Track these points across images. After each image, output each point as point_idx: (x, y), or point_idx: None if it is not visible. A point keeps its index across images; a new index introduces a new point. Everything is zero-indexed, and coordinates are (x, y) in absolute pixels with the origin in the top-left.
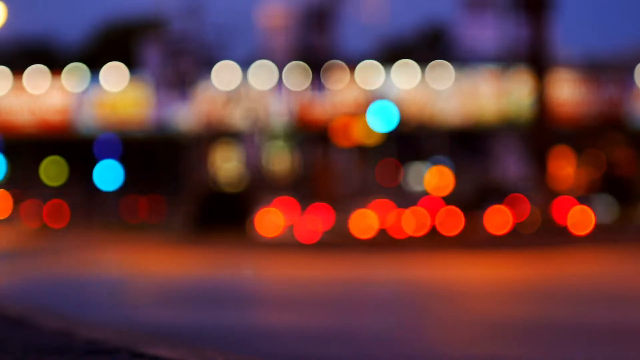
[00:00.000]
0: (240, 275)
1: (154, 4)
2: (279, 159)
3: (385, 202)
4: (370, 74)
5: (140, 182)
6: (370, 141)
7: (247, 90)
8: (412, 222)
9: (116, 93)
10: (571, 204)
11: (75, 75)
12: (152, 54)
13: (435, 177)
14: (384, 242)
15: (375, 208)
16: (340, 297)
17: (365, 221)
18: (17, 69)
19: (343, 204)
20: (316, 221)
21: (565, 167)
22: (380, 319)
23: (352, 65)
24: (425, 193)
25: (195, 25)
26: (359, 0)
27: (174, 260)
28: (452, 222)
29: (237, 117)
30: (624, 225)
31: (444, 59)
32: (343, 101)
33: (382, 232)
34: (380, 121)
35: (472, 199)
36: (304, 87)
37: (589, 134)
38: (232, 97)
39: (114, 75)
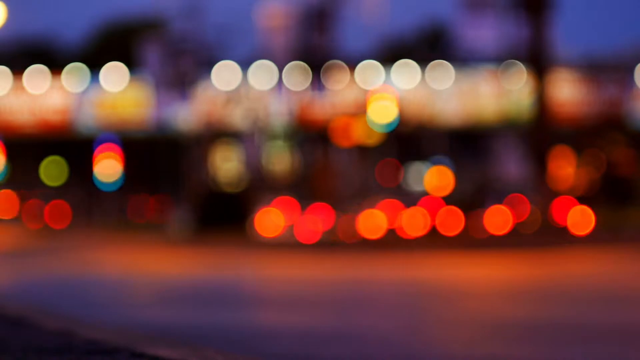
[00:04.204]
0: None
1: (154, 4)
2: (279, 159)
3: (391, 202)
4: (370, 74)
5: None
6: (370, 141)
7: (247, 90)
8: (413, 222)
9: (116, 93)
10: (571, 204)
11: (75, 75)
12: (152, 54)
13: (435, 177)
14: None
15: (382, 208)
16: (341, 297)
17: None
18: (17, 69)
19: (343, 204)
20: (316, 221)
21: (565, 167)
22: (380, 319)
23: (352, 65)
24: (425, 193)
25: (195, 25)
26: (359, 0)
27: (174, 260)
28: (453, 222)
29: (237, 117)
30: (624, 225)
31: (444, 59)
32: (343, 101)
33: (390, 232)
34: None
35: (471, 198)
36: (304, 87)
37: (589, 134)
38: (232, 97)
39: (114, 75)
